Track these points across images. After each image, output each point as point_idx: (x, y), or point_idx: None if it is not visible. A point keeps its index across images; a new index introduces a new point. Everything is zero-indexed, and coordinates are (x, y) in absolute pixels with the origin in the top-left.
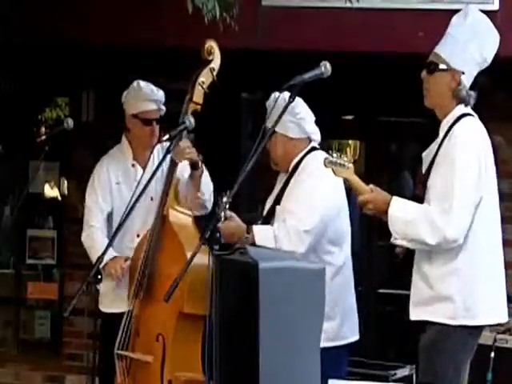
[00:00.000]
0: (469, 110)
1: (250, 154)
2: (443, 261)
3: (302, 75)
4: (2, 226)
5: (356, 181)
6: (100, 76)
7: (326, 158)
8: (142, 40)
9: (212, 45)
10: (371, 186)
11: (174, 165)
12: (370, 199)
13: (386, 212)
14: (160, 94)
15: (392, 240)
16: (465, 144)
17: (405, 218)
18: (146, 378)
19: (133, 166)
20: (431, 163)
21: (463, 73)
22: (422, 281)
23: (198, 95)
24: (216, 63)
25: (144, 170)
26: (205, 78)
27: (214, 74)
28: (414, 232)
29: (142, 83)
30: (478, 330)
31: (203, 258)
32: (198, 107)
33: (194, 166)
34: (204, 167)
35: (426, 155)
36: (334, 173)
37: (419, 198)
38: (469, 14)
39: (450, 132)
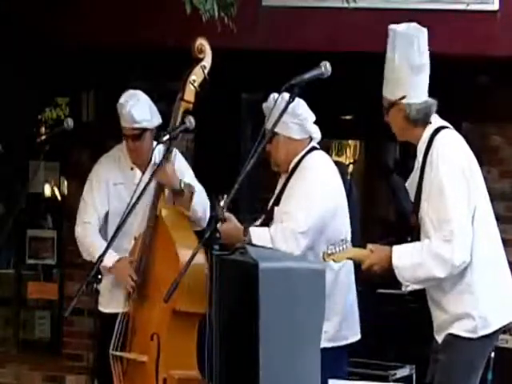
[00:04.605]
0: (439, 122)
1: (250, 156)
2: (453, 282)
3: (302, 75)
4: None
5: (356, 254)
6: (100, 76)
7: (323, 253)
8: (142, 40)
9: (202, 43)
10: (369, 246)
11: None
12: (373, 262)
13: (391, 265)
14: (136, 117)
15: (404, 289)
16: (446, 161)
17: (411, 263)
18: (142, 378)
19: (131, 169)
20: (418, 190)
21: (404, 97)
22: (436, 308)
23: (189, 94)
24: (207, 61)
25: (144, 173)
26: (196, 76)
27: (206, 71)
28: (424, 273)
29: (128, 103)
30: (493, 335)
31: (197, 257)
32: (190, 106)
33: (175, 191)
34: (195, 188)
35: (410, 184)
36: (335, 261)
37: (415, 230)
38: (388, 39)
39: (429, 153)
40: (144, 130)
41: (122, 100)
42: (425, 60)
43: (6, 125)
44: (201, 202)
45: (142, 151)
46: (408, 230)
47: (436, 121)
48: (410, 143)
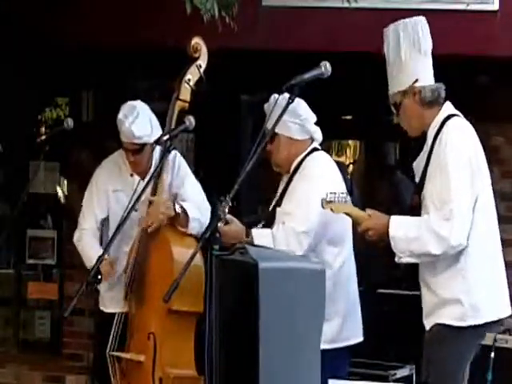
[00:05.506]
0: (452, 110)
1: (250, 155)
2: (447, 265)
3: (302, 75)
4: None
5: (354, 212)
6: (100, 76)
7: (323, 199)
8: (142, 40)
9: (198, 42)
10: (368, 211)
11: (160, 172)
12: (370, 226)
13: (387, 234)
14: (136, 133)
15: (397, 260)
16: (454, 146)
17: (407, 236)
18: (139, 378)
19: (131, 175)
20: (424, 172)
21: (417, 80)
22: (427, 289)
23: (185, 93)
24: (203, 60)
25: (143, 179)
26: (191, 75)
27: (201, 70)
28: (419, 247)
29: (127, 120)
30: (484, 327)
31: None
32: (186, 105)
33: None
34: (188, 207)
35: (417, 165)
36: (333, 211)
37: (415, 209)
38: (389, 36)
39: (438, 137)
40: (144, 144)
41: (120, 115)
42: (429, 44)
43: (6, 125)
44: (194, 220)
45: (142, 163)
46: (409, 209)
47: (448, 108)
48: (410, 144)
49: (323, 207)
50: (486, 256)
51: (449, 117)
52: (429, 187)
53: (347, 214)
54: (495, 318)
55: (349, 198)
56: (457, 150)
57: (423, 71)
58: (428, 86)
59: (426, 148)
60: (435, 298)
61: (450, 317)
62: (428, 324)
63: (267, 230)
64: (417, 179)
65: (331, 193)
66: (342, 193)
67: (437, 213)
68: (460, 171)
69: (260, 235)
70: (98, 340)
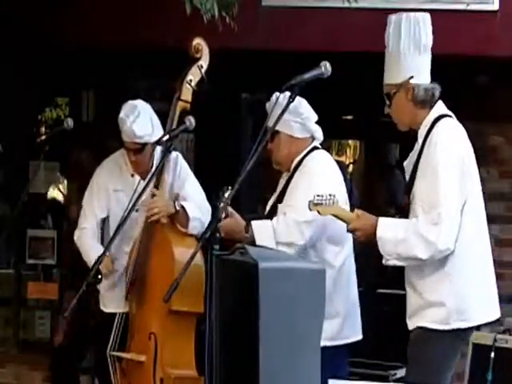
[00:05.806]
0: (444, 110)
1: (251, 154)
2: (434, 268)
3: (302, 75)
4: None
5: (342, 213)
6: (100, 76)
7: (310, 202)
8: (142, 40)
9: (200, 42)
10: (356, 211)
11: (161, 171)
12: (357, 226)
13: (375, 235)
14: (137, 133)
15: (384, 262)
16: (444, 147)
17: (395, 238)
18: (140, 378)
19: (132, 175)
20: (413, 172)
21: (412, 77)
22: (413, 291)
23: (186, 93)
24: (204, 60)
25: (144, 179)
26: (193, 75)
27: (203, 71)
28: (406, 250)
29: (128, 119)
30: (469, 331)
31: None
32: (187, 105)
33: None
34: (189, 208)
35: (408, 164)
36: (320, 213)
37: (405, 209)
38: (390, 26)
39: (429, 137)
40: (145, 143)
41: (122, 114)
42: (430, 40)
43: (6, 125)
44: (194, 219)
45: (143, 163)
46: (399, 209)
47: (441, 108)
48: (409, 143)
49: (310, 209)
50: (474, 259)
51: (440, 117)
52: (418, 187)
53: (334, 215)
54: (483, 322)
55: (337, 200)
56: (447, 150)
57: (420, 68)
58: (422, 85)
59: (417, 147)
60: (421, 300)
61: (434, 319)
62: (412, 325)
63: (267, 222)
64: (407, 178)
65: (318, 195)
66: (330, 195)
67: (425, 216)
68: (449, 172)
69: (260, 228)
70: (99, 340)
